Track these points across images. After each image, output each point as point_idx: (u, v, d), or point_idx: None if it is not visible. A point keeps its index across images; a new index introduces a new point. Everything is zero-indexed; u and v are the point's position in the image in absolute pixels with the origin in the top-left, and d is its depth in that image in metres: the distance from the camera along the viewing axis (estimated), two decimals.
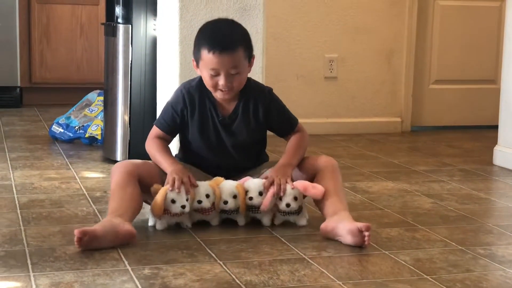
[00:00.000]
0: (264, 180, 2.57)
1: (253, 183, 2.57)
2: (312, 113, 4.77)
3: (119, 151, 3.66)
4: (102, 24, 3.82)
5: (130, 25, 3.57)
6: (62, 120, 4.28)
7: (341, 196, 2.58)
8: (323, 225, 2.50)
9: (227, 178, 2.63)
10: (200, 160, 2.71)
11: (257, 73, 3.17)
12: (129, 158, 3.47)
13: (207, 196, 2.53)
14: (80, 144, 4.15)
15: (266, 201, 2.53)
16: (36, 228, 2.55)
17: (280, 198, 2.54)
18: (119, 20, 3.62)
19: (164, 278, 2.09)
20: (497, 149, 3.94)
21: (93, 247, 2.28)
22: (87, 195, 3.03)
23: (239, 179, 2.64)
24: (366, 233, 2.34)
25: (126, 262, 2.21)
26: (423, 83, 5.06)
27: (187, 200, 2.48)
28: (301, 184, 2.55)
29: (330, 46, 4.80)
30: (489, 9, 5.11)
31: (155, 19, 3.54)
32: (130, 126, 3.62)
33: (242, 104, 2.66)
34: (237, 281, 2.08)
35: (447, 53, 5.06)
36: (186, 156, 2.74)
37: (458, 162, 3.96)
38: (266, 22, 3.37)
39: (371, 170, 3.68)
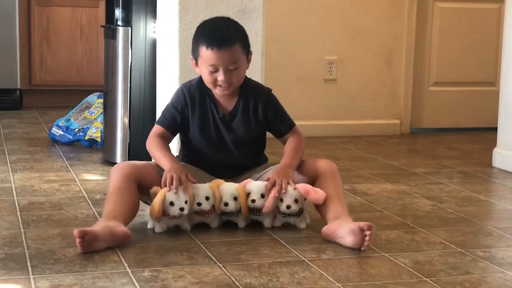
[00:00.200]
0: (266, 182, 2.58)
1: (254, 186, 2.58)
2: (311, 115, 4.78)
3: (119, 154, 3.66)
4: (102, 26, 3.82)
5: (130, 28, 3.57)
6: (62, 122, 4.29)
7: (342, 200, 2.59)
8: (324, 229, 2.50)
9: (227, 177, 2.65)
10: (201, 158, 2.72)
11: (256, 75, 3.17)
12: (128, 160, 3.47)
13: (207, 198, 2.53)
14: (80, 147, 4.15)
15: (268, 203, 2.53)
16: (36, 230, 2.55)
17: (281, 200, 2.55)
18: (119, 22, 3.62)
19: (163, 281, 2.09)
20: (496, 151, 3.94)
21: (94, 249, 2.29)
22: (87, 197, 3.03)
23: (240, 180, 2.65)
24: (368, 232, 2.34)
25: (125, 265, 2.21)
26: (423, 85, 5.07)
27: (186, 202, 2.48)
28: (303, 187, 2.55)
29: (330, 48, 4.81)
30: (488, 11, 5.12)
31: (154, 22, 3.55)
32: (129, 129, 3.63)
33: (242, 102, 2.69)
34: (237, 283, 2.08)
35: (446, 55, 5.07)
36: (187, 155, 2.76)
37: (457, 164, 3.96)
38: (265, 25, 3.37)
39: (371, 172, 3.68)
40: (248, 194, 2.56)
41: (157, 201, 2.47)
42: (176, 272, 2.16)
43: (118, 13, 3.62)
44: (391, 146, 4.54)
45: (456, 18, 5.07)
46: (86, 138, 4.15)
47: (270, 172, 2.65)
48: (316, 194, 2.54)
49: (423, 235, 2.60)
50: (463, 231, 2.68)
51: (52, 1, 5.75)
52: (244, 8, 3.26)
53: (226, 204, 2.55)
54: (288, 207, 2.55)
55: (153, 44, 3.56)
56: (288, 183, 2.55)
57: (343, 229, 2.42)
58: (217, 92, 2.65)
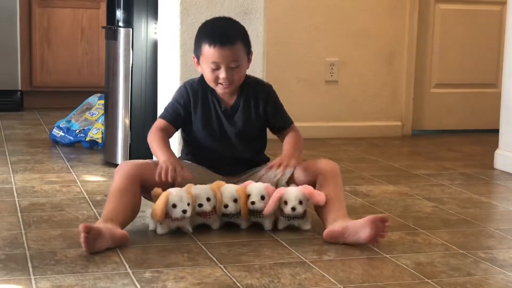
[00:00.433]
0: (266, 184, 2.58)
1: (255, 188, 2.57)
2: (313, 117, 4.77)
3: (120, 155, 3.66)
4: (103, 27, 3.82)
5: (131, 29, 3.57)
6: (62, 123, 4.28)
7: (342, 202, 2.58)
8: (327, 231, 2.49)
9: (230, 175, 2.69)
10: (204, 154, 2.74)
11: (257, 76, 3.16)
12: None
13: (208, 199, 2.53)
14: (80, 148, 4.15)
15: (269, 206, 2.52)
16: (37, 231, 2.55)
17: (286, 202, 2.55)
18: (120, 23, 3.62)
19: (165, 282, 2.08)
20: (498, 153, 3.94)
21: (96, 247, 2.28)
22: (87, 198, 3.03)
23: (242, 180, 2.66)
24: (386, 224, 2.37)
25: (127, 265, 2.21)
26: (424, 87, 5.06)
27: (188, 204, 2.48)
28: (307, 189, 2.55)
29: (331, 50, 4.80)
30: (490, 13, 5.12)
31: (156, 23, 3.54)
32: (130, 130, 3.62)
33: (243, 97, 2.73)
34: (238, 284, 2.08)
35: (447, 57, 5.07)
36: (189, 152, 2.78)
37: (459, 166, 3.95)
38: (267, 26, 3.38)
39: (372, 173, 3.67)
40: (248, 196, 2.56)
41: (159, 203, 2.46)
42: (177, 273, 2.15)
43: (119, 14, 3.62)
44: (393, 147, 4.54)
45: (457, 19, 5.06)
46: (87, 139, 4.15)
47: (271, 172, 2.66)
48: (319, 196, 2.54)
49: (424, 237, 2.60)
50: (464, 232, 2.68)
51: (53, 2, 5.75)
52: (246, 9, 3.26)
53: (226, 206, 2.55)
54: (294, 209, 2.54)
55: (154, 45, 3.56)
56: (292, 164, 2.58)
57: (352, 225, 2.42)
58: (218, 90, 2.69)
